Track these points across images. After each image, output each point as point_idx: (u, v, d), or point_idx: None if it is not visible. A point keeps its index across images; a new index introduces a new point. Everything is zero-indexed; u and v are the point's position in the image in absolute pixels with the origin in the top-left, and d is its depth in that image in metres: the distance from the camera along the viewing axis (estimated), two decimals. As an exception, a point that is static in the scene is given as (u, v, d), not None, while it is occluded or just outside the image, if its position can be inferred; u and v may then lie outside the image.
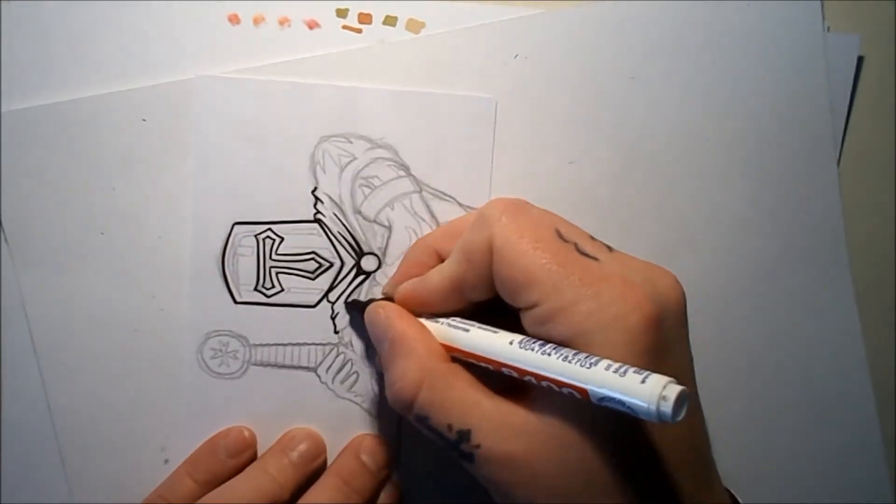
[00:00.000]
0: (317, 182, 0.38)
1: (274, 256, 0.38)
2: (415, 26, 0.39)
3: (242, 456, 0.37)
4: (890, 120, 0.42)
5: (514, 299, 0.30)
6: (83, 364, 0.38)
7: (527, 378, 0.29)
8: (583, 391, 0.27)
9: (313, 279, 0.38)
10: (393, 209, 0.38)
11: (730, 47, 0.40)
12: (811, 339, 0.41)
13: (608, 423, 0.28)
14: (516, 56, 0.39)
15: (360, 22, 0.39)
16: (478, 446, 0.29)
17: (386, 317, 0.33)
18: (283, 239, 0.38)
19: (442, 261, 0.35)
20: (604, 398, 0.26)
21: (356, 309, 0.38)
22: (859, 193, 0.42)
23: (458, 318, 0.33)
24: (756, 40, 0.40)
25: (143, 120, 0.38)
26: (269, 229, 0.38)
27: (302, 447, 0.37)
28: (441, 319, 0.33)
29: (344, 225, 0.38)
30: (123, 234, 0.38)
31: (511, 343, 0.30)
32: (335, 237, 0.38)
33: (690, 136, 0.40)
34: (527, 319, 0.30)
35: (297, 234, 0.38)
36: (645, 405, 0.25)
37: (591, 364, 0.27)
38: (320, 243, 0.38)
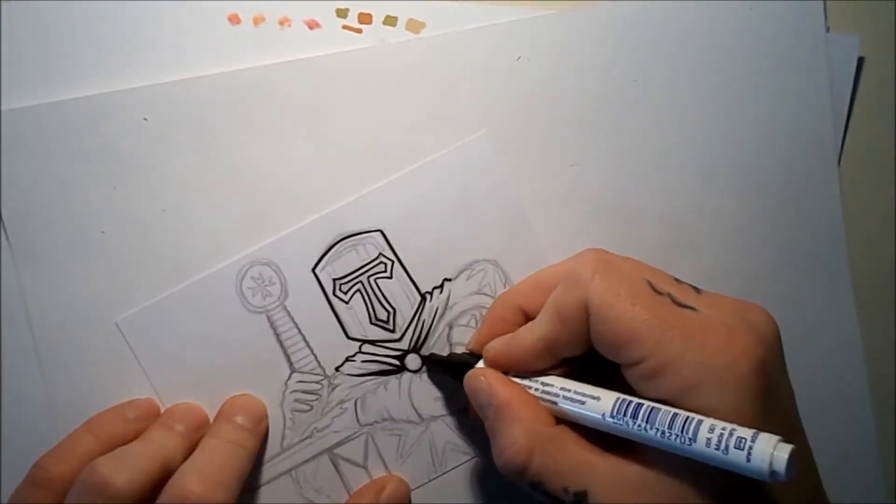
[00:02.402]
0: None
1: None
2: (415, 26, 0.39)
3: (147, 422, 0.37)
4: (890, 120, 0.42)
5: (617, 356, 0.30)
6: (83, 363, 0.38)
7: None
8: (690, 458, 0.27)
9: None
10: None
11: (731, 48, 0.40)
12: (810, 339, 0.41)
13: (722, 478, 0.28)
14: (519, 58, 0.39)
15: (360, 22, 0.39)
16: None
17: (488, 384, 0.33)
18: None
19: (527, 317, 0.35)
20: (717, 464, 0.27)
21: (435, 363, 0.38)
22: (859, 193, 0.42)
23: (547, 381, 0.33)
24: (757, 41, 0.40)
25: (144, 119, 0.38)
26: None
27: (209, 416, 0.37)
28: (531, 385, 0.33)
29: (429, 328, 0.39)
30: (123, 233, 0.38)
31: (603, 416, 0.30)
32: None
33: (691, 138, 0.40)
34: (631, 375, 0.30)
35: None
36: (756, 472, 0.25)
37: (689, 440, 0.27)
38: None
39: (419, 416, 0.39)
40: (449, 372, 0.37)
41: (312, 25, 0.39)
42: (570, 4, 0.39)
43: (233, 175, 0.38)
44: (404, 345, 0.39)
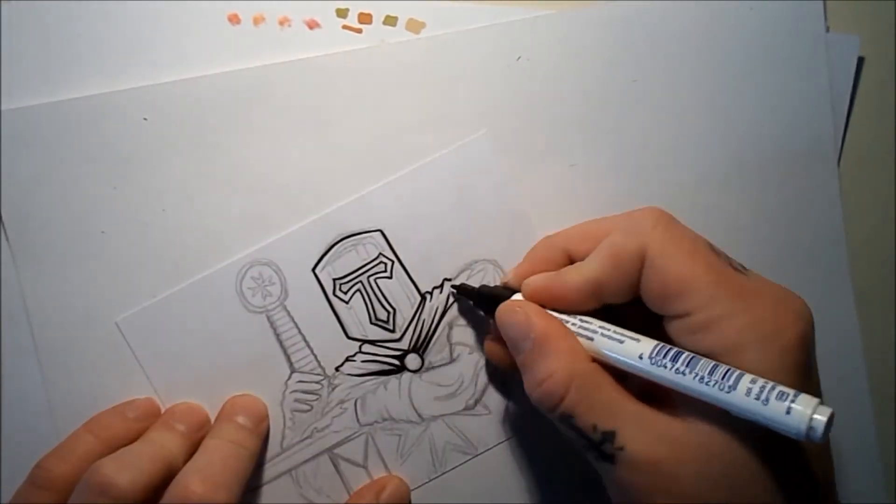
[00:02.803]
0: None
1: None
2: (415, 26, 0.39)
3: (147, 421, 0.37)
4: (890, 120, 0.42)
5: (664, 307, 0.31)
6: (84, 363, 0.38)
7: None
8: (724, 409, 0.27)
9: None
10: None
11: (731, 48, 0.40)
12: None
13: (756, 435, 0.28)
14: (519, 58, 0.39)
15: (360, 22, 0.39)
16: (621, 448, 0.29)
17: (526, 315, 0.33)
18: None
19: (572, 262, 0.35)
20: (749, 417, 0.27)
21: (465, 294, 0.38)
22: (859, 193, 0.42)
23: (585, 319, 0.33)
24: (757, 41, 0.40)
25: (144, 119, 0.38)
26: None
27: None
28: (569, 319, 0.33)
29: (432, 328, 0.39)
30: (123, 233, 0.38)
31: (641, 357, 0.30)
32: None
33: (691, 138, 0.40)
34: (674, 327, 0.30)
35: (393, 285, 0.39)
36: (794, 428, 0.26)
37: (729, 388, 0.27)
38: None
39: (419, 416, 0.39)
40: (480, 304, 0.37)
41: (312, 25, 0.39)
42: (570, 4, 0.39)
43: (233, 175, 0.38)
44: (404, 345, 0.39)
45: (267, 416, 0.38)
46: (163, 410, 0.38)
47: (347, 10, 0.39)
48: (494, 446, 0.39)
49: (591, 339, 0.32)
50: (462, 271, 0.39)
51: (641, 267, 0.31)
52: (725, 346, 0.29)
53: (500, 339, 0.36)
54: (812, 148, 0.41)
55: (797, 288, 0.41)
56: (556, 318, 0.33)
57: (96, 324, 0.38)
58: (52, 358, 0.38)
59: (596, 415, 0.30)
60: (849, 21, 0.41)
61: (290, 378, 0.39)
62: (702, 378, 0.28)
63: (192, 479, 0.33)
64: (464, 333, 0.39)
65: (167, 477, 0.33)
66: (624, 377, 0.31)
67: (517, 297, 0.35)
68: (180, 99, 0.38)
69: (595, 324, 0.32)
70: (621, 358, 0.31)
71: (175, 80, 0.38)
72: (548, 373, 0.31)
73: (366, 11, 0.39)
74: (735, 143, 0.40)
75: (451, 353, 0.39)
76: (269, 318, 0.38)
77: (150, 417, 0.37)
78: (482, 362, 0.39)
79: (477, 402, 0.39)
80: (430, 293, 0.39)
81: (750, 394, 0.27)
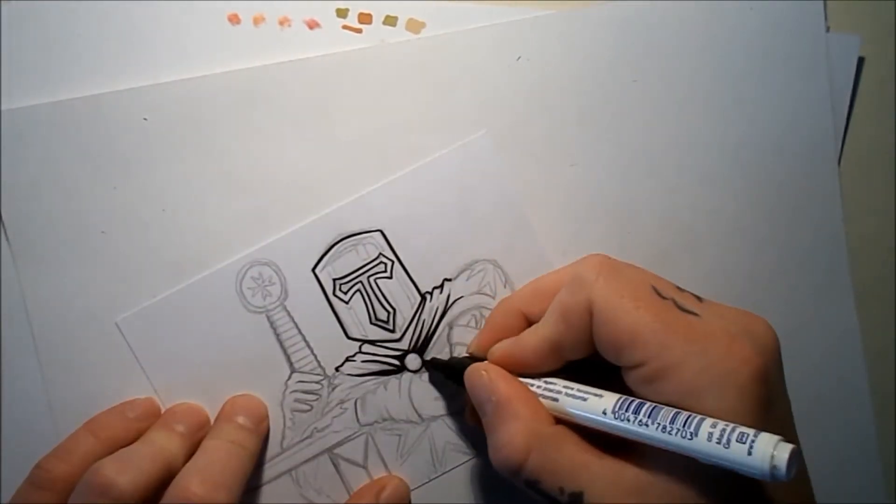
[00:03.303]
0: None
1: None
2: (415, 26, 0.39)
3: (147, 421, 0.37)
4: (890, 120, 0.42)
5: (618, 359, 0.30)
6: (84, 363, 0.38)
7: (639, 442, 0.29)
8: (690, 456, 0.27)
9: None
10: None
11: (731, 48, 0.40)
12: (810, 339, 0.41)
13: (722, 478, 0.28)
14: (519, 58, 0.39)
15: (360, 22, 0.39)
16: None
17: (489, 379, 0.33)
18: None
19: (529, 323, 0.35)
20: (714, 463, 0.27)
21: (435, 367, 0.38)
22: (859, 194, 0.42)
23: (550, 380, 0.33)
24: (758, 41, 0.40)
25: (144, 119, 0.38)
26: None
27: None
28: (534, 382, 0.33)
29: (431, 328, 0.39)
30: (123, 233, 0.38)
31: (605, 413, 0.30)
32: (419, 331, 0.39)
33: (692, 138, 0.40)
34: (631, 378, 0.30)
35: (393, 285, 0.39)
36: (757, 469, 0.25)
37: (691, 434, 0.27)
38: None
39: (419, 416, 0.39)
40: (451, 376, 0.37)
41: (312, 25, 0.39)
42: (570, 4, 0.39)
43: (233, 175, 0.38)
44: (404, 345, 0.39)
45: (267, 416, 0.38)
46: (163, 410, 0.38)
47: (347, 10, 0.39)
48: None
49: (556, 399, 0.32)
50: (462, 271, 0.39)
51: (591, 321, 0.31)
52: (683, 392, 0.28)
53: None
54: (812, 148, 0.41)
55: (797, 288, 0.41)
56: (519, 382, 0.33)
57: (96, 324, 0.38)
58: (52, 358, 0.38)
59: (561, 477, 0.30)
60: (849, 21, 0.41)
61: (290, 378, 0.39)
62: (664, 427, 0.28)
63: (192, 480, 0.33)
64: (464, 333, 0.39)
65: (167, 477, 0.33)
66: (592, 434, 0.31)
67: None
68: (180, 99, 0.38)
69: (559, 384, 0.32)
70: (586, 415, 0.31)
71: (175, 80, 0.38)
72: (508, 438, 0.31)
73: (366, 11, 0.39)
74: (735, 143, 0.40)
75: (451, 353, 0.39)
76: (269, 318, 0.38)
77: (150, 417, 0.37)
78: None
79: None
80: (430, 293, 0.39)
81: (711, 438, 0.26)
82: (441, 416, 0.39)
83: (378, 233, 0.39)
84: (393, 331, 0.39)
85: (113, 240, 0.38)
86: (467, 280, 0.39)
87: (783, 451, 0.25)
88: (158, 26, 0.38)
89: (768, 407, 0.29)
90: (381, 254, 0.39)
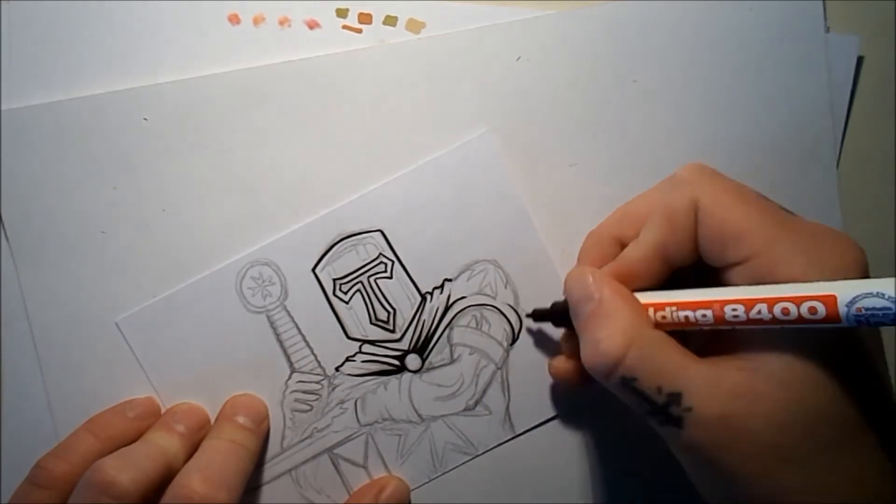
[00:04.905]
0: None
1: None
2: (415, 26, 0.39)
3: (147, 420, 0.37)
4: (890, 120, 0.42)
5: (723, 255, 0.30)
6: (83, 363, 0.38)
7: (753, 317, 0.28)
8: (830, 300, 0.26)
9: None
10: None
11: (731, 49, 0.40)
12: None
13: (823, 376, 0.28)
14: (519, 58, 0.39)
15: (360, 22, 0.39)
16: (689, 409, 0.29)
17: (594, 280, 0.32)
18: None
19: (623, 247, 0.34)
20: (856, 298, 0.26)
21: (541, 318, 0.38)
22: (858, 193, 0.42)
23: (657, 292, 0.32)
24: (757, 41, 0.40)
25: (144, 119, 0.38)
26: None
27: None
28: (647, 293, 0.32)
29: (430, 330, 0.39)
30: (123, 233, 0.38)
31: (728, 289, 0.29)
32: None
33: (691, 138, 0.40)
34: (736, 276, 0.30)
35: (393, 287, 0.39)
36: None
37: (829, 280, 0.27)
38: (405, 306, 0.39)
39: (419, 416, 0.39)
40: (558, 321, 0.37)
41: (312, 25, 0.39)
42: (570, 4, 0.39)
43: (233, 175, 0.38)
44: (404, 345, 0.39)
45: (267, 416, 0.38)
46: (163, 410, 0.38)
47: (347, 10, 0.39)
48: (495, 447, 0.39)
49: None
50: (462, 271, 0.39)
51: (695, 221, 0.31)
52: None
53: (571, 356, 0.36)
54: (811, 148, 0.41)
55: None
56: (625, 288, 0.32)
57: (96, 324, 0.38)
58: (52, 358, 0.38)
59: (661, 376, 0.29)
60: (849, 21, 0.41)
61: (290, 378, 0.39)
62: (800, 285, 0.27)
63: (193, 479, 0.33)
64: (464, 334, 0.39)
65: (167, 477, 0.34)
66: (685, 340, 0.31)
67: None
68: (180, 99, 0.38)
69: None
70: (714, 294, 0.30)
71: (175, 80, 0.38)
72: (608, 332, 0.30)
73: (366, 11, 0.39)
74: (734, 143, 0.40)
75: (451, 354, 0.39)
76: (269, 318, 0.38)
77: (150, 417, 0.37)
78: (483, 363, 0.39)
79: (477, 402, 0.39)
80: (431, 293, 0.39)
81: (849, 280, 0.26)
82: (441, 416, 0.39)
83: (378, 233, 0.39)
84: (393, 331, 0.39)
85: (113, 240, 0.38)
86: (468, 280, 0.39)
87: None
88: (158, 26, 0.38)
89: None
90: (381, 254, 0.39)
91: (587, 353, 0.31)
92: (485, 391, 0.39)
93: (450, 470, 0.39)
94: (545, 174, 0.39)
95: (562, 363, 0.37)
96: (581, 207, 0.40)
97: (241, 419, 0.37)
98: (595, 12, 0.39)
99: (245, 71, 0.38)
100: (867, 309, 0.26)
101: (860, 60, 0.41)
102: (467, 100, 0.39)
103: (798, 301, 0.27)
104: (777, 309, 0.28)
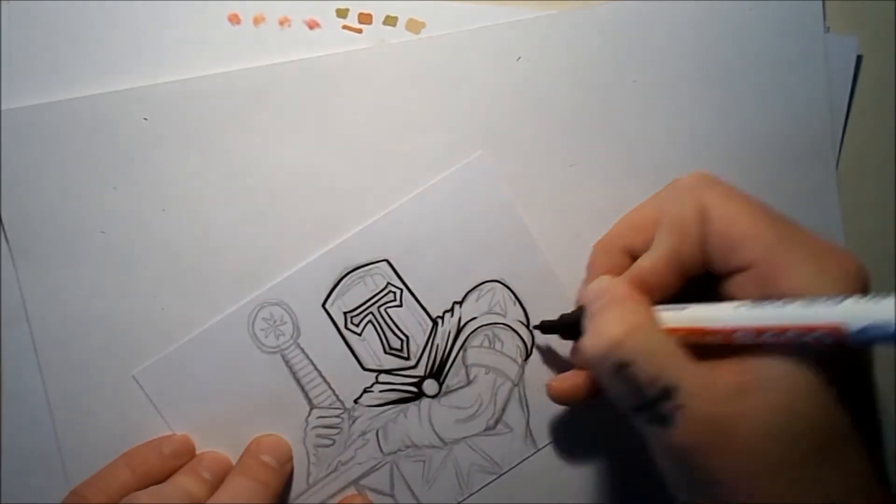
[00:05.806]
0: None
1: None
2: (415, 26, 0.39)
3: (182, 458, 0.38)
4: (889, 120, 0.42)
5: (728, 260, 0.30)
6: (83, 364, 0.38)
7: (763, 336, 0.28)
8: (836, 329, 0.26)
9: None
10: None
11: (731, 48, 0.40)
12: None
13: (816, 385, 0.28)
14: (519, 58, 0.39)
15: (360, 22, 0.39)
16: (681, 406, 0.28)
17: (609, 282, 0.32)
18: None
19: (633, 258, 0.34)
20: (865, 329, 0.26)
21: (549, 330, 0.38)
22: (859, 194, 0.42)
23: (670, 305, 0.32)
24: (757, 41, 0.40)
25: (144, 119, 0.38)
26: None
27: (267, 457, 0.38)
28: (656, 307, 0.32)
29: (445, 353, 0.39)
30: (123, 233, 0.38)
31: (737, 308, 0.29)
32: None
33: (691, 138, 0.40)
34: (738, 282, 0.30)
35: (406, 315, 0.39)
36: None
37: (836, 302, 0.27)
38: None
39: (441, 440, 0.39)
40: (566, 333, 0.37)
41: (312, 25, 0.39)
42: (570, 4, 0.40)
43: (233, 175, 0.38)
44: (420, 371, 0.39)
45: (291, 456, 0.38)
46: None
47: (347, 10, 0.39)
48: (519, 463, 0.39)
49: (684, 309, 0.31)
50: (470, 293, 0.39)
51: (702, 227, 0.31)
52: (797, 294, 0.28)
53: (581, 369, 0.36)
54: (810, 148, 0.41)
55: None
56: (640, 294, 0.32)
57: (96, 323, 0.38)
58: (52, 358, 0.38)
59: (660, 367, 0.29)
60: (848, 21, 0.41)
61: (309, 415, 0.39)
62: (806, 303, 0.27)
63: None
64: (478, 354, 0.39)
65: None
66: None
67: None
68: (180, 99, 0.38)
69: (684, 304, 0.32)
70: (719, 314, 0.29)
71: (175, 80, 0.38)
72: (611, 318, 0.30)
73: (366, 11, 0.39)
74: (734, 143, 0.40)
75: (467, 376, 0.39)
76: (283, 357, 0.38)
77: (184, 455, 0.38)
78: (499, 381, 0.39)
79: (497, 421, 0.39)
80: (441, 317, 0.39)
81: (858, 301, 0.26)
82: (463, 438, 0.39)
83: (384, 262, 0.39)
84: (408, 358, 0.39)
85: (113, 240, 0.38)
86: (476, 301, 0.39)
87: None
88: (159, 26, 0.38)
89: None
90: (389, 283, 0.39)
91: (587, 340, 0.31)
92: (504, 409, 0.39)
93: (476, 491, 0.39)
94: (544, 175, 0.39)
95: (561, 383, 0.37)
96: (580, 208, 0.40)
97: (265, 458, 0.37)
98: (595, 12, 0.39)
99: (245, 71, 0.38)
100: (873, 334, 0.26)
101: (859, 60, 0.41)
102: (467, 100, 0.39)
103: (806, 330, 0.27)
104: (785, 336, 0.28)
